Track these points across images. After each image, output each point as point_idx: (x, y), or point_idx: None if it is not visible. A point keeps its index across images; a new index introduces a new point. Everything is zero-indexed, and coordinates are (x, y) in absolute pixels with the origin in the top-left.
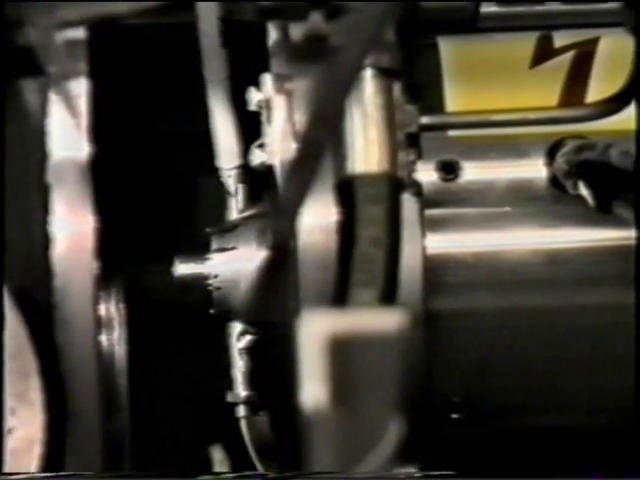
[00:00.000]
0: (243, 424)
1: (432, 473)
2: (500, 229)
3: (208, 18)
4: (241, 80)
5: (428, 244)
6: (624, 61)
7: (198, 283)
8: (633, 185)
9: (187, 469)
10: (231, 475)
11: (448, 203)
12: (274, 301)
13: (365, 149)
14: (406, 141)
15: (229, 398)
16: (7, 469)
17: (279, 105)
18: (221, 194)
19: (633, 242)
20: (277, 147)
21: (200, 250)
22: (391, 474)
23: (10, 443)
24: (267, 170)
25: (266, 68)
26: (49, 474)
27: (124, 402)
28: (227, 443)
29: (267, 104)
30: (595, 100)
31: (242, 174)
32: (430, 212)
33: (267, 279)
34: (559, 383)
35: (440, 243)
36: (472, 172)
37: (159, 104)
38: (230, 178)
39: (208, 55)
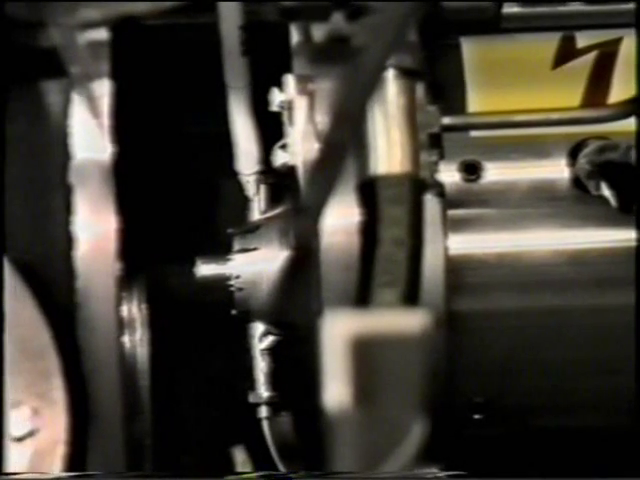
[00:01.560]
0: (265, 425)
1: (453, 473)
2: (522, 230)
3: (229, 19)
4: (263, 81)
5: (450, 245)
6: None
7: (220, 284)
8: None
9: (209, 470)
10: (255, 475)
11: (470, 204)
12: (296, 302)
13: (387, 150)
14: (428, 142)
15: (251, 399)
16: (31, 470)
17: (301, 106)
18: (243, 195)
19: None
20: (299, 148)
21: (222, 251)
22: (413, 474)
23: (34, 444)
24: (289, 171)
25: (288, 69)
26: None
27: (146, 403)
28: (249, 444)
29: (289, 105)
30: (617, 100)
31: (264, 175)
32: (452, 213)
33: (289, 280)
34: (581, 383)
35: (462, 244)
36: (494, 173)
37: (181, 105)
38: (249, 183)
39: (229, 57)
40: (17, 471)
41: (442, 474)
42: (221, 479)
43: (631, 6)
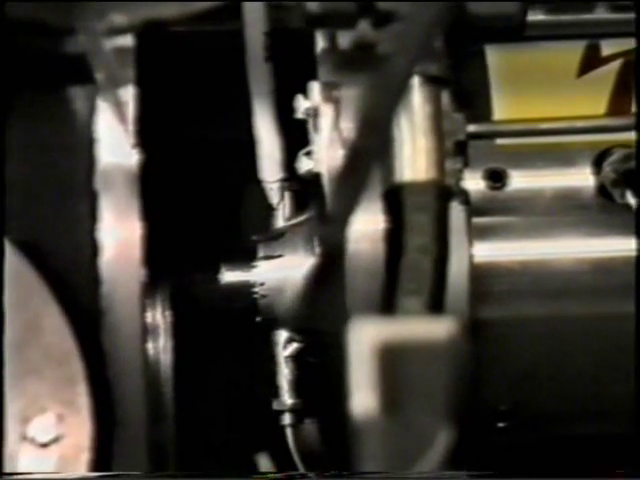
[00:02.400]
0: (289, 432)
1: (478, 473)
2: (547, 238)
3: (254, 24)
4: (289, 88)
5: (475, 252)
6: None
7: (244, 291)
8: None
9: (233, 473)
10: (280, 475)
11: (495, 211)
12: (321, 309)
13: (413, 157)
14: (454, 149)
15: (275, 406)
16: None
17: (327, 113)
18: (268, 202)
19: None
20: (324, 155)
21: (247, 258)
22: (436, 474)
23: (58, 450)
24: (314, 178)
25: (314, 76)
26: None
27: (170, 410)
28: (273, 451)
29: (315, 112)
30: None
31: (288, 182)
32: (477, 220)
33: (315, 287)
34: (606, 391)
35: (487, 251)
36: (519, 180)
37: (207, 111)
38: (272, 191)
39: (253, 63)
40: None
41: (466, 474)
42: (247, 479)
43: None
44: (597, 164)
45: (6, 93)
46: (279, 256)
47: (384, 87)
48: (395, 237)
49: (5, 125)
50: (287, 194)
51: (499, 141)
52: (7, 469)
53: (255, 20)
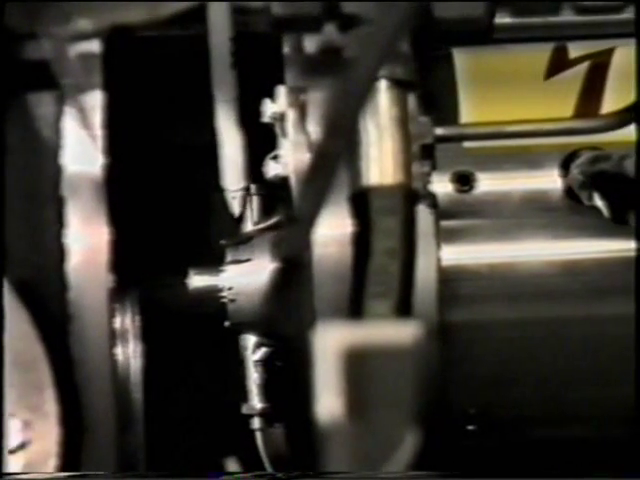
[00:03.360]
0: (258, 436)
1: (446, 473)
2: (515, 240)
3: (220, 28)
4: (255, 92)
5: (443, 256)
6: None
7: (213, 295)
8: None
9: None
10: (247, 475)
11: (463, 214)
12: (289, 313)
13: (380, 160)
14: (421, 152)
15: (244, 410)
16: None
17: (293, 117)
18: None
19: None
20: (291, 159)
21: (215, 262)
22: (406, 475)
23: (25, 456)
24: (282, 182)
25: (281, 80)
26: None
27: (139, 415)
28: (242, 455)
29: (281, 116)
30: (610, 111)
31: (256, 187)
32: (445, 223)
33: (281, 291)
34: (575, 394)
35: (455, 255)
36: (487, 183)
37: (174, 116)
38: (234, 199)
39: (217, 68)
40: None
41: (434, 473)
42: (217, 479)
43: (624, 16)
44: (564, 166)
45: None
46: (247, 260)
47: (350, 90)
48: (362, 240)
49: None
50: (255, 198)
51: (466, 144)
52: None
53: (220, 24)
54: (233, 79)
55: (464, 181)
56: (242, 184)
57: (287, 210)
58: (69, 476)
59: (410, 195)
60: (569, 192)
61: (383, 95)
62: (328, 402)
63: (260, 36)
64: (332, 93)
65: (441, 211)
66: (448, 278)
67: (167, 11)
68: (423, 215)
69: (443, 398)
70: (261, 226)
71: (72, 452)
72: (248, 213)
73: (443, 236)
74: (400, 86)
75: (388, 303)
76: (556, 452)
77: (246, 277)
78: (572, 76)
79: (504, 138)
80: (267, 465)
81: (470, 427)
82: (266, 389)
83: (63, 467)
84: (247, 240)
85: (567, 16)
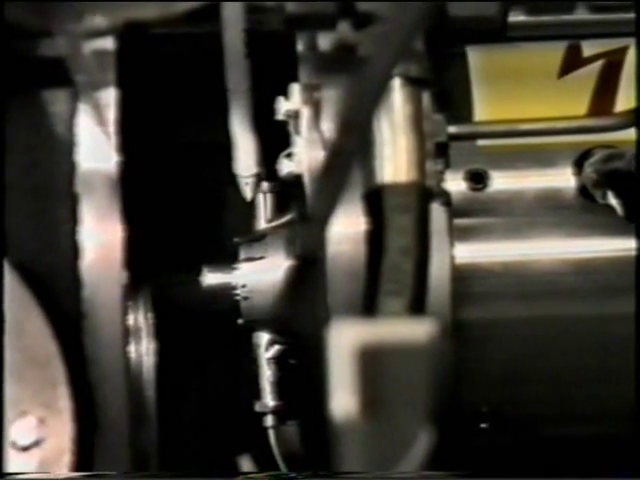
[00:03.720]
0: (271, 434)
1: (461, 473)
2: (528, 239)
3: (234, 26)
4: (269, 90)
5: (457, 254)
6: (635, 70)
7: (226, 293)
8: None
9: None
10: (263, 475)
11: (476, 213)
12: (302, 311)
13: (394, 158)
14: (435, 150)
15: (257, 408)
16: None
17: (307, 115)
18: (250, 204)
19: None
20: (305, 157)
21: (228, 260)
22: (420, 474)
23: (40, 453)
24: (295, 180)
25: (294, 78)
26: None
27: (152, 412)
28: (255, 453)
29: (295, 114)
30: (623, 109)
31: (270, 184)
32: (458, 222)
33: (295, 289)
34: (587, 392)
35: (468, 253)
36: (500, 181)
37: (188, 113)
38: (247, 185)
39: (232, 64)
40: (14, 472)
41: (448, 473)
42: (231, 479)
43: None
44: (578, 165)
45: None
46: (260, 258)
47: (364, 88)
48: (376, 238)
49: None
50: (268, 196)
51: (480, 142)
52: None
53: (234, 21)
54: (247, 73)
55: (478, 179)
56: (255, 170)
57: (301, 208)
58: (69, 477)
59: (424, 193)
60: (582, 190)
61: (397, 93)
62: (341, 399)
63: (274, 34)
64: (346, 91)
65: (455, 209)
66: (461, 276)
67: (180, 9)
68: (437, 213)
69: (456, 396)
70: (275, 224)
71: (85, 449)
72: (262, 211)
73: (457, 234)
74: (414, 84)
75: (402, 301)
76: (568, 450)
77: (260, 275)
78: (586, 74)
79: (517, 136)
80: (280, 463)
81: (483, 425)
82: (279, 387)
83: (77, 464)
84: (261, 238)
85: (581, 14)
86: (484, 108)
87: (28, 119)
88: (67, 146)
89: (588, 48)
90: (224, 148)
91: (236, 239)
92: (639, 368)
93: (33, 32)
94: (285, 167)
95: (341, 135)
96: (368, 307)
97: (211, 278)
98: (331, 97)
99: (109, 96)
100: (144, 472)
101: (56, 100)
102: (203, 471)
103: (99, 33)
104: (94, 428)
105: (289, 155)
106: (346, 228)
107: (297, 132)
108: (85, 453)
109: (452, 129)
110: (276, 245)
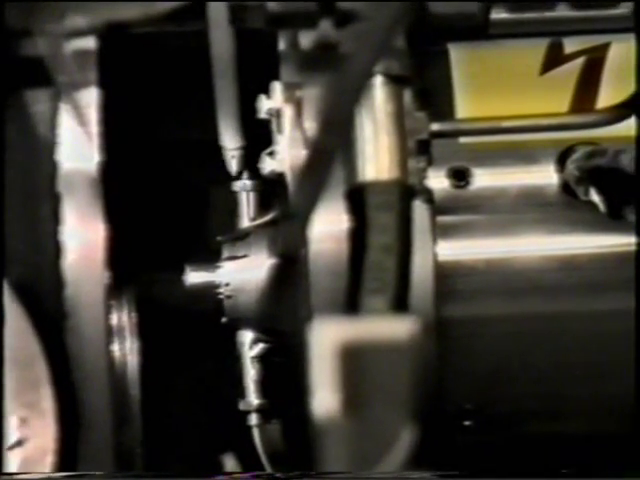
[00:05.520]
0: (255, 432)
1: (444, 473)
2: (511, 236)
3: (219, 25)
4: (251, 88)
5: (439, 251)
6: (635, 67)
7: (209, 291)
8: None
9: (200, 473)
10: (246, 475)
11: (459, 210)
12: (285, 309)
13: (375, 156)
14: (417, 148)
15: (241, 406)
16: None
17: (289, 113)
18: (232, 203)
19: None
20: (287, 155)
21: (211, 258)
22: (404, 475)
23: (22, 453)
24: (278, 178)
25: (276, 76)
26: (53, 474)
27: (136, 411)
28: (239, 451)
29: (277, 112)
30: (606, 106)
31: (252, 183)
32: (441, 219)
33: (278, 287)
34: (571, 390)
35: (451, 250)
36: (483, 179)
37: (168, 113)
38: (234, 159)
39: (218, 62)
40: (14, 472)
41: (432, 474)
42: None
43: (619, 11)
44: (561, 162)
45: None
46: (244, 256)
47: (345, 86)
48: (358, 236)
49: None
50: (251, 194)
51: (462, 140)
52: None
53: (220, 20)
54: (234, 71)
55: (460, 176)
56: (239, 143)
57: (283, 206)
58: (66, 476)
59: (406, 191)
60: (565, 187)
61: (379, 91)
62: (324, 397)
63: (256, 32)
64: (328, 89)
65: (437, 207)
66: (444, 273)
67: (162, 8)
68: (419, 211)
69: (439, 393)
70: (257, 222)
71: (69, 449)
72: (245, 209)
73: (439, 232)
74: (396, 82)
75: (384, 299)
76: (553, 448)
77: (243, 273)
78: (568, 71)
79: (500, 133)
80: (264, 461)
81: (466, 422)
82: (263, 385)
83: (60, 464)
84: (244, 236)
85: (562, 11)
86: (466, 105)
87: (9, 119)
88: (48, 146)
89: (570, 45)
90: (206, 147)
91: (219, 238)
92: (639, 365)
93: (14, 31)
94: (268, 165)
95: (323, 133)
96: (351, 305)
97: (194, 277)
98: (313, 95)
99: (91, 96)
100: (128, 472)
101: (37, 100)
102: (187, 470)
103: (80, 33)
104: (78, 428)
105: (271, 153)
106: (328, 226)
107: (279, 130)
108: (68, 453)
109: (434, 126)
110: (259, 243)
